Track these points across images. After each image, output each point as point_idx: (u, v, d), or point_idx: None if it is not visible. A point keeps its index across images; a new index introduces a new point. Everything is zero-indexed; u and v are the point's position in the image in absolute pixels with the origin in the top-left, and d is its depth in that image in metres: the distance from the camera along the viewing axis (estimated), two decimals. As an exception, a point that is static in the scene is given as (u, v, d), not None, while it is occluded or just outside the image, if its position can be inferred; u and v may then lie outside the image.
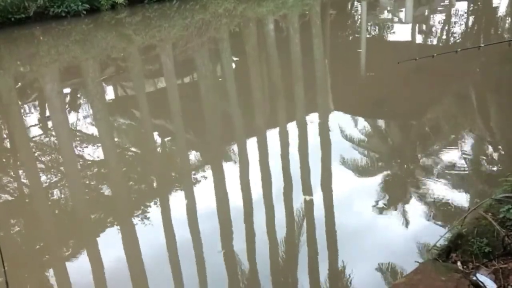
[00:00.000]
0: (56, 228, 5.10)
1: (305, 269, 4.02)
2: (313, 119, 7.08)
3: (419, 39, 11.80)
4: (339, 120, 6.84)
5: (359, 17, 14.44)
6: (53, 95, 9.07)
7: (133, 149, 6.97)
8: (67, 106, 8.62)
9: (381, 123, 6.86)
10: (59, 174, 6.21)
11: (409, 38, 11.91)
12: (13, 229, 5.07)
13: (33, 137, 7.40)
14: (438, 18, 13.39)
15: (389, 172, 5.36)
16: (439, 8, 14.48)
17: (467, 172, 5.24)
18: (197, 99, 8.50)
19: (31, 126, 7.76)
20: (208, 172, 5.75)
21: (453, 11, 13.72)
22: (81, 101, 9.08)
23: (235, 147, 6.41)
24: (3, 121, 8.17)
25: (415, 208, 4.59)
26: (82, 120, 7.90)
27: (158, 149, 6.86)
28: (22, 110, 8.58)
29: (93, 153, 6.63)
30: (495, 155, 5.66)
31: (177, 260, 4.24)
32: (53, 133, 7.64)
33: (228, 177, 5.54)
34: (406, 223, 4.42)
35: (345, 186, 5.16)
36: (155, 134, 7.37)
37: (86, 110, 8.45)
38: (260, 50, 11.26)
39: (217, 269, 4.05)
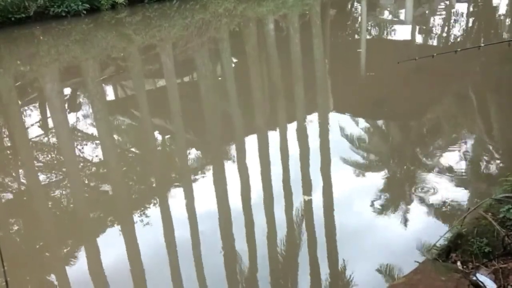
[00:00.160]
0: (56, 228, 5.10)
1: (305, 269, 4.02)
2: (313, 119, 7.08)
3: (419, 39, 11.80)
4: (339, 120, 6.83)
5: (359, 17, 14.44)
6: (53, 94, 9.07)
7: (133, 149, 6.98)
8: (67, 106, 8.62)
9: (381, 123, 6.85)
10: (59, 174, 6.21)
11: (409, 38, 11.91)
12: (13, 229, 5.08)
13: (33, 137, 7.40)
14: (438, 18, 13.39)
15: (389, 172, 5.36)
16: (439, 8, 14.47)
17: (467, 172, 5.24)
18: (197, 99, 8.50)
19: (31, 126, 7.76)
20: (208, 172, 5.75)
21: (453, 11, 13.72)
22: (81, 101, 9.08)
23: (235, 147, 6.41)
24: (3, 121, 8.17)
25: (415, 208, 4.59)
26: (82, 120, 7.90)
27: (158, 149, 6.86)
28: (22, 110, 8.57)
29: (93, 153, 6.64)
30: (495, 155, 5.66)
31: (176, 260, 4.24)
32: (53, 133, 7.63)
33: (228, 177, 5.54)
34: (406, 223, 4.42)
35: (345, 186, 5.16)
36: (155, 134, 7.37)
37: (86, 110, 8.45)
38: (260, 50, 11.26)
39: (217, 269, 4.05)
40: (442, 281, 2.89)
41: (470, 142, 5.98)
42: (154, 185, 5.77)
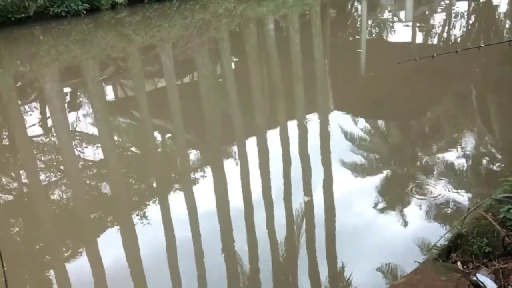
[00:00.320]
0: (56, 228, 5.10)
1: (305, 269, 4.01)
2: (313, 119, 7.08)
3: (419, 39, 11.80)
4: (339, 120, 6.83)
5: (359, 17, 14.44)
6: (53, 94, 9.07)
7: (133, 149, 6.97)
8: (67, 106, 8.62)
9: (381, 123, 6.85)
10: (59, 174, 6.21)
11: (409, 38, 11.91)
12: (13, 229, 5.07)
13: (33, 137, 7.39)
14: (438, 18, 13.38)
15: (389, 172, 5.36)
16: (439, 8, 14.47)
17: (467, 172, 5.24)
18: (197, 99, 8.50)
19: (31, 126, 7.76)
20: (208, 172, 5.75)
21: (453, 11, 13.72)
22: (81, 101, 9.07)
23: (235, 147, 6.40)
24: (3, 121, 8.16)
25: (415, 208, 4.59)
26: (82, 120, 7.89)
27: (158, 149, 6.86)
28: (22, 110, 8.57)
29: (93, 153, 6.63)
30: (495, 155, 5.66)
31: (176, 260, 4.24)
32: (53, 133, 7.63)
33: (228, 177, 5.54)
34: (406, 223, 4.42)
35: (345, 186, 5.16)
36: (155, 134, 7.37)
37: (86, 109, 8.45)
38: (260, 50, 11.26)
39: (217, 269, 4.05)
40: (442, 281, 2.89)
41: (470, 142, 5.98)
42: (154, 185, 5.77)
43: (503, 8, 13.41)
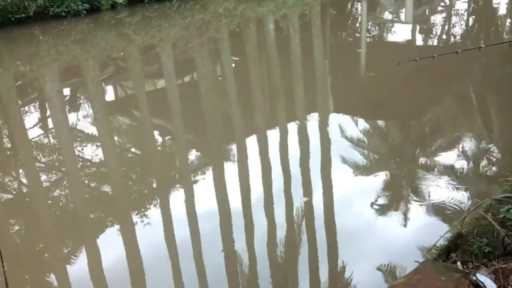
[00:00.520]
0: (56, 228, 5.10)
1: (305, 269, 4.01)
2: (313, 119, 7.08)
3: (419, 39, 11.80)
4: (339, 120, 6.83)
5: (359, 17, 14.44)
6: (53, 94, 9.07)
7: (133, 149, 6.97)
8: (67, 106, 8.62)
9: (381, 123, 6.85)
10: (59, 174, 6.21)
11: (409, 38, 11.90)
12: (13, 229, 5.07)
13: (33, 137, 7.39)
14: (438, 18, 13.38)
15: (389, 172, 5.36)
16: (439, 8, 14.47)
17: (467, 172, 5.24)
18: (197, 99, 8.50)
19: (31, 125, 7.76)
20: (208, 172, 5.75)
21: (453, 11, 13.71)
22: (81, 101, 9.08)
23: (235, 147, 6.40)
24: (3, 121, 8.16)
25: (415, 208, 4.59)
26: (82, 120, 7.90)
27: (158, 149, 6.86)
28: (22, 110, 8.57)
29: (93, 153, 6.63)
30: (495, 155, 5.66)
31: (177, 260, 4.24)
32: (53, 132, 7.63)
33: (228, 177, 5.54)
34: (406, 223, 4.42)
35: (345, 186, 5.16)
36: (155, 134, 7.37)
37: (86, 109, 8.45)
38: (260, 50, 11.26)
39: (217, 269, 4.05)
40: (442, 281, 2.89)
41: (470, 142, 5.98)
42: (154, 185, 5.77)
43: (503, 8, 13.41)
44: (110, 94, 9.48)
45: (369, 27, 13.20)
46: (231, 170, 5.72)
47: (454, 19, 12.94)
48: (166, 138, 7.17)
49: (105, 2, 14.36)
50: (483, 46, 3.70)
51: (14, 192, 5.84)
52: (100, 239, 4.64)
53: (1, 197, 5.67)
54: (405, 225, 4.40)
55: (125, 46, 12.05)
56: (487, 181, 5.03)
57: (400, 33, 12.40)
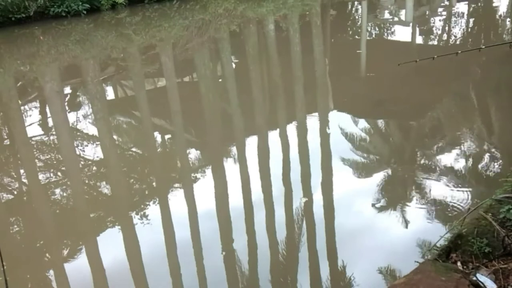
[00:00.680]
0: (56, 227, 5.10)
1: (305, 269, 4.01)
2: (313, 119, 7.08)
3: (419, 39, 11.80)
4: (339, 120, 6.84)
5: (360, 17, 14.44)
6: (53, 94, 9.07)
7: (133, 148, 6.97)
8: (67, 106, 8.62)
9: (381, 123, 6.85)
10: (59, 174, 6.21)
11: (409, 39, 11.91)
12: (13, 229, 5.07)
13: (33, 136, 7.39)
14: (438, 19, 13.39)
15: (389, 172, 5.36)
16: (439, 9, 14.47)
17: (467, 172, 5.24)
18: (197, 99, 8.50)
19: (31, 125, 7.76)
20: (208, 172, 5.75)
21: (453, 11, 13.72)
22: (81, 101, 9.08)
23: (235, 147, 6.40)
24: (3, 121, 8.16)
25: (415, 208, 4.59)
26: (82, 119, 7.90)
27: (158, 149, 6.86)
28: (22, 110, 8.57)
29: (93, 152, 6.63)
30: (495, 155, 5.66)
31: (176, 260, 4.24)
32: (53, 132, 7.63)
33: (228, 177, 5.54)
34: (406, 223, 4.42)
35: (345, 186, 5.16)
36: (155, 134, 7.37)
37: (86, 109, 8.45)
38: (260, 50, 11.26)
39: (217, 270, 4.05)
40: (442, 281, 2.89)
41: (470, 142, 5.98)
42: (154, 184, 5.77)
43: (503, 9, 13.41)
44: (110, 94, 9.48)
45: (369, 28, 13.21)
46: (231, 170, 5.72)
47: (454, 19, 12.94)
48: (166, 137, 7.17)
49: (105, 2, 14.37)
50: (483, 47, 3.70)
51: (14, 192, 5.84)
52: (100, 239, 4.64)
53: (1, 196, 5.67)
54: (405, 225, 4.40)
55: (125, 46, 12.05)
56: (487, 181, 5.03)
57: (400, 33, 12.40)
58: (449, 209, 4.51)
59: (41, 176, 6.08)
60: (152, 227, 4.71)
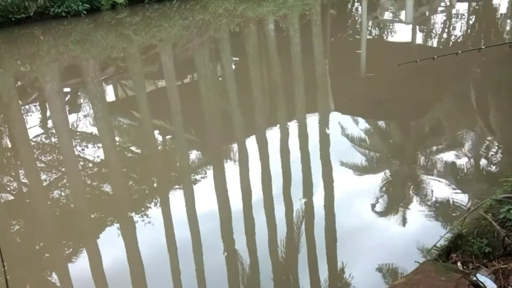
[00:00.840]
0: (56, 227, 5.10)
1: (305, 269, 4.01)
2: (313, 119, 7.08)
3: (419, 39, 11.80)
4: (339, 120, 6.84)
5: (360, 17, 14.44)
6: (53, 94, 9.07)
7: (133, 149, 6.97)
8: (67, 106, 8.63)
9: (381, 123, 6.85)
10: (59, 174, 6.21)
11: (409, 39, 11.91)
12: (13, 229, 5.07)
13: (33, 136, 7.39)
14: (438, 19, 13.39)
15: (389, 172, 5.36)
16: (439, 9, 14.48)
17: (467, 172, 5.24)
18: (197, 99, 8.50)
19: (31, 125, 7.76)
20: (209, 172, 5.75)
21: (453, 11, 13.72)
22: (81, 101, 9.08)
23: (235, 147, 6.41)
24: (3, 121, 8.17)
25: (415, 208, 4.59)
26: (82, 119, 7.90)
27: (158, 149, 6.86)
28: (22, 110, 8.58)
29: (93, 152, 6.64)
30: (495, 155, 5.66)
31: (177, 260, 4.24)
32: (54, 132, 7.64)
33: (228, 177, 5.54)
34: (406, 223, 4.42)
35: (345, 186, 5.16)
36: (156, 134, 7.37)
37: (86, 109, 8.45)
38: (260, 50, 11.26)
39: (217, 270, 4.05)
40: (442, 281, 2.89)
41: (470, 142, 5.98)
42: (154, 185, 5.77)
43: (503, 9, 13.41)
44: (110, 94, 9.48)
45: (369, 28, 13.21)
46: (231, 169, 5.72)
47: (454, 19, 12.94)
48: (167, 138, 7.18)
49: (105, 2, 14.37)
50: (483, 47, 3.69)
51: (15, 192, 5.84)
52: (100, 239, 4.64)
53: (1, 197, 5.67)
54: (405, 225, 4.40)
55: (125, 46, 12.05)
56: (487, 181, 5.03)
57: (400, 33, 12.40)
58: (449, 209, 4.51)
59: (41, 176, 6.08)
60: (152, 227, 4.71)
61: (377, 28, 13.17)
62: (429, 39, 11.62)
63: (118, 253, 4.36)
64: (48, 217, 5.28)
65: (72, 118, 8.03)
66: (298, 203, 4.83)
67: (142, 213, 4.94)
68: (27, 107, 8.74)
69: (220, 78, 9.94)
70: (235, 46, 11.50)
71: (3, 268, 2.33)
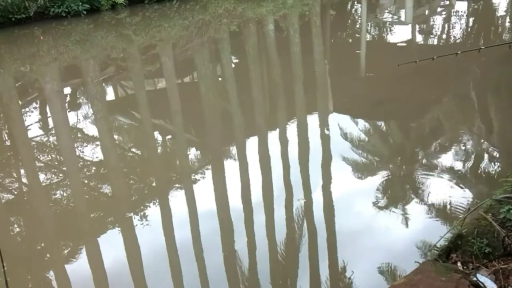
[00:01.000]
0: (56, 227, 5.10)
1: (305, 270, 4.01)
2: (313, 119, 7.08)
3: (419, 39, 11.80)
4: (339, 120, 6.84)
5: (359, 17, 14.44)
6: (53, 94, 9.07)
7: (133, 149, 6.97)
8: (67, 106, 8.63)
9: (381, 123, 6.86)
10: (59, 174, 6.21)
11: (409, 39, 11.91)
12: (13, 229, 5.07)
13: (33, 136, 7.40)
14: (438, 19, 13.39)
15: (389, 172, 5.36)
16: (439, 9, 14.48)
17: (467, 172, 5.25)
18: (197, 99, 8.50)
19: (31, 125, 7.76)
20: (208, 172, 5.75)
21: (453, 11, 13.72)
22: (81, 101, 9.08)
23: (235, 147, 6.41)
24: (3, 121, 8.16)
25: (415, 209, 4.59)
26: (82, 119, 7.90)
27: (158, 149, 6.86)
28: (22, 110, 8.58)
29: (93, 153, 6.63)
30: (495, 156, 5.67)
31: (177, 260, 4.24)
32: (53, 132, 7.64)
33: (228, 177, 5.54)
34: (406, 223, 4.42)
35: (345, 186, 5.16)
36: (155, 134, 7.37)
37: (86, 109, 8.45)
38: (260, 50, 11.27)
39: (217, 270, 4.05)
40: (442, 281, 2.89)
41: (470, 142, 5.98)
42: (154, 185, 5.77)
43: (502, 9, 13.42)
44: (110, 94, 9.48)
45: (369, 28, 13.21)
46: (231, 170, 5.72)
47: (454, 19, 12.95)
48: (167, 138, 7.18)
49: (105, 2, 14.37)
50: (482, 47, 3.70)
51: (15, 192, 5.84)
52: (100, 239, 4.64)
53: (1, 197, 5.67)
54: (405, 226, 4.40)
55: (125, 46, 12.05)
56: (487, 181, 5.03)
57: (400, 33, 12.40)
58: (449, 209, 4.51)
59: (41, 176, 6.08)
60: (152, 227, 4.71)
61: (376, 28, 13.17)
62: (429, 39, 11.62)
63: (118, 253, 4.36)
64: (48, 217, 5.28)
65: (72, 118, 8.02)
66: (298, 203, 4.83)
67: (142, 213, 4.94)
68: (27, 107, 8.74)
69: (220, 78, 9.94)
70: (235, 46, 11.50)
71: (3, 269, 2.33)
